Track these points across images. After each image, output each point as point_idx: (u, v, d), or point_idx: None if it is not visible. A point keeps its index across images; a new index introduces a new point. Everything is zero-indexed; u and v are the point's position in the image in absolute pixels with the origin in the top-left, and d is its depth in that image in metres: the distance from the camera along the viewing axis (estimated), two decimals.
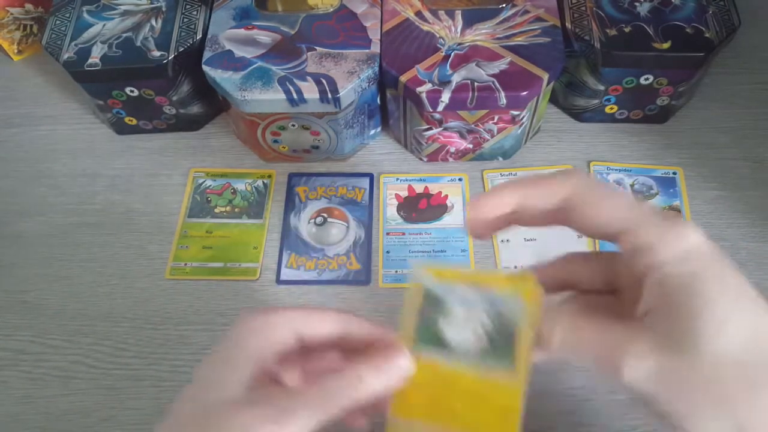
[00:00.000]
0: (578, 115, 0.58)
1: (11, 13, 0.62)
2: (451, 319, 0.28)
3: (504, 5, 0.52)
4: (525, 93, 0.48)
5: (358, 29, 0.52)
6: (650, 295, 0.24)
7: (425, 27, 0.51)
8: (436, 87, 0.48)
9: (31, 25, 0.64)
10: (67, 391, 0.47)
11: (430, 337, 0.28)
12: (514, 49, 0.49)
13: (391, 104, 0.54)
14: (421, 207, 0.54)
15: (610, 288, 0.29)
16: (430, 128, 0.52)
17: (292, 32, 0.51)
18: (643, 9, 0.52)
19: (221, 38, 0.51)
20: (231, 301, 0.50)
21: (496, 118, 0.50)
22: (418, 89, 0.48)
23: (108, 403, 0.46)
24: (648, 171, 0.55)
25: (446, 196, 0.55)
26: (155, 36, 0.52)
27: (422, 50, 0.50)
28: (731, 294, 0.23)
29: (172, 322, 0.49)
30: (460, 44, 0.50)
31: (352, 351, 0.29)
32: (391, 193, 0.55)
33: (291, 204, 0.55)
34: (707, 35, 0.50)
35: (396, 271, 0.51)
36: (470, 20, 0.51)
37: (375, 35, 0.51)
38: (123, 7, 0.54)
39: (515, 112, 0.50)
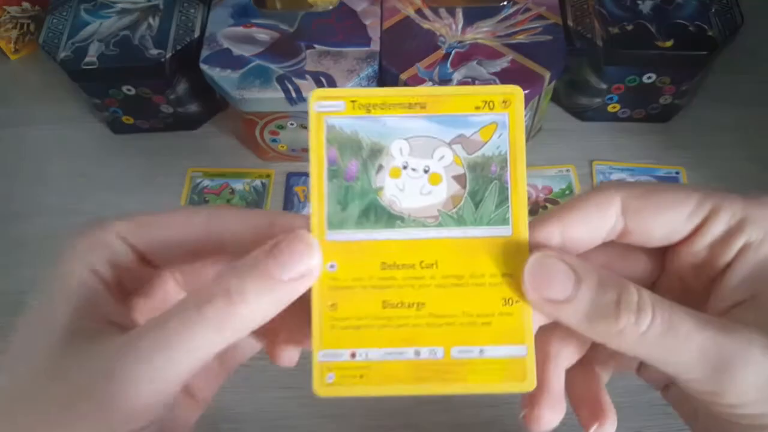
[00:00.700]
0: (580, 114, 0.58)
1: (8, 12, 0.61)
2: (386, 166, 0.21)
3: (505, 3, 0.52)
4: (526, 92, 0.47)
5: (357, 27, 0.51)
6: (743, 282, 0.20)
7: (426, 25, 0.51)
8: (436, 85, 0.47)
9: (29, 24, 0.63)
10: None
11: (354, 208, 0.21)
12: (515, 48, 0.49)
13: None
14: None
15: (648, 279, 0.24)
16: None
17: (291, 30, 0.51)
18: (645, 7, 0.51)
19: (219, 36, 0.51)
20: None
21: None
22: None
23: None
24: (650, 171, 0.54)
25: None
26: (153, 34, 0.52)
27: (423, 48, 0.49)
28: None
29: None
30: (460, 42, 0.49)
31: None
32: None
33: (290, 204, 0.54)
34: (710, 34, 0.50)
35: None
36: (471, 18, 0.51)
37: (375, 33, 0.51)
38: (120, 5, 0.54)
39: None
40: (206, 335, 0.19)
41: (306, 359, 0.22)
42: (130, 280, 0.23)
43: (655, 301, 0.19)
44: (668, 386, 0.25)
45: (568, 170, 0.55)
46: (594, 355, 0.24)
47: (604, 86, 0.53)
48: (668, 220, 0.21)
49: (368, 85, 0.50)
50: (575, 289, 0.19)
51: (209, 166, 0.57)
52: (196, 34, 0.52)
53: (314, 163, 0.21)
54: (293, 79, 0.48)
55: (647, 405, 0.43)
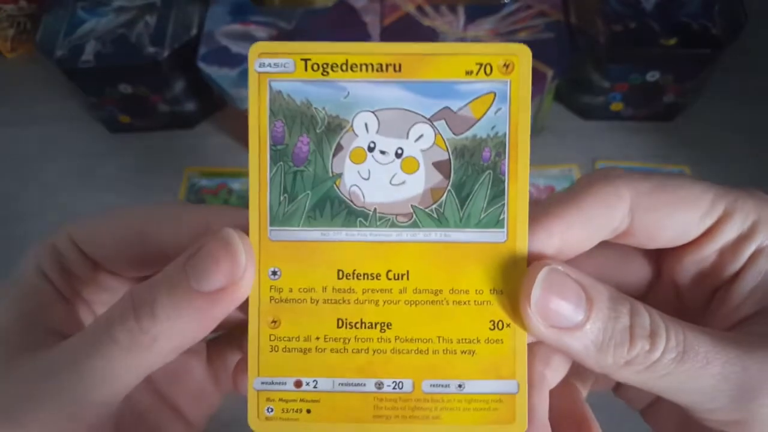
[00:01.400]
0: (583, 112, 0.57)
1: (5, 11, 0.61)
2: (347, 147, 0.17)
3: (507, 0, 0.51)
4: None
5: (357, 24, 0.50)
6: (754, 292, 0.18)
7: (426, 22, 0.50)
8: None
9: (25, 23, 0.63)
10: None
11: (304, 200, 0.17)
12: None
13: None
14: None
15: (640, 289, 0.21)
16: None
17: (290, 28, 0.50)
18: (648, 4, 0.51)
19: (217, 34, 0.50)
20: None
21: None
22: None
23: None
24: (654, 170, 0.54)
25: None
26: (150, 32, 0.51)
27: None
28: None
29: None
30: (462, 40, 0.49)
31: None
32: None
33: None
34: (714, 32, 0.49)
35: None
36: (473, 15, 0.50)
37: (375, 30, 0.50)
38: (117, 3, 0.53)
39: None
40: (121, 360, 0.16)
41: None
42: (85, 283, 0.21)
43: (666, 320, 0.17)
44: (652, 405, 0.22)
45: (570, 170, 0.54)
46: (574, 370, 0.21)
47: (607, 84, 0.52)
48: (680, 221, 0.18)
49: None
50: (587, 313, 0.16)
51: (206, 166, 0.56)
52: (194, 32, 0.51)
53: (254, 141, 0.17)
54: None
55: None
